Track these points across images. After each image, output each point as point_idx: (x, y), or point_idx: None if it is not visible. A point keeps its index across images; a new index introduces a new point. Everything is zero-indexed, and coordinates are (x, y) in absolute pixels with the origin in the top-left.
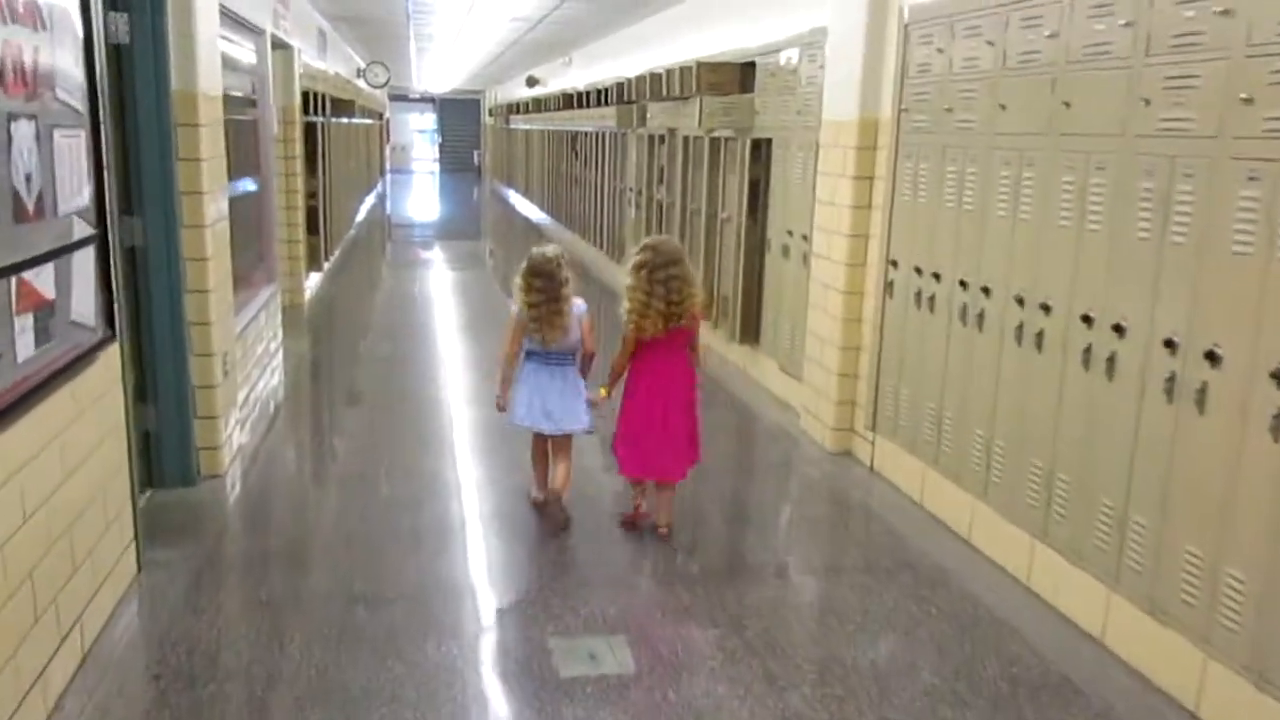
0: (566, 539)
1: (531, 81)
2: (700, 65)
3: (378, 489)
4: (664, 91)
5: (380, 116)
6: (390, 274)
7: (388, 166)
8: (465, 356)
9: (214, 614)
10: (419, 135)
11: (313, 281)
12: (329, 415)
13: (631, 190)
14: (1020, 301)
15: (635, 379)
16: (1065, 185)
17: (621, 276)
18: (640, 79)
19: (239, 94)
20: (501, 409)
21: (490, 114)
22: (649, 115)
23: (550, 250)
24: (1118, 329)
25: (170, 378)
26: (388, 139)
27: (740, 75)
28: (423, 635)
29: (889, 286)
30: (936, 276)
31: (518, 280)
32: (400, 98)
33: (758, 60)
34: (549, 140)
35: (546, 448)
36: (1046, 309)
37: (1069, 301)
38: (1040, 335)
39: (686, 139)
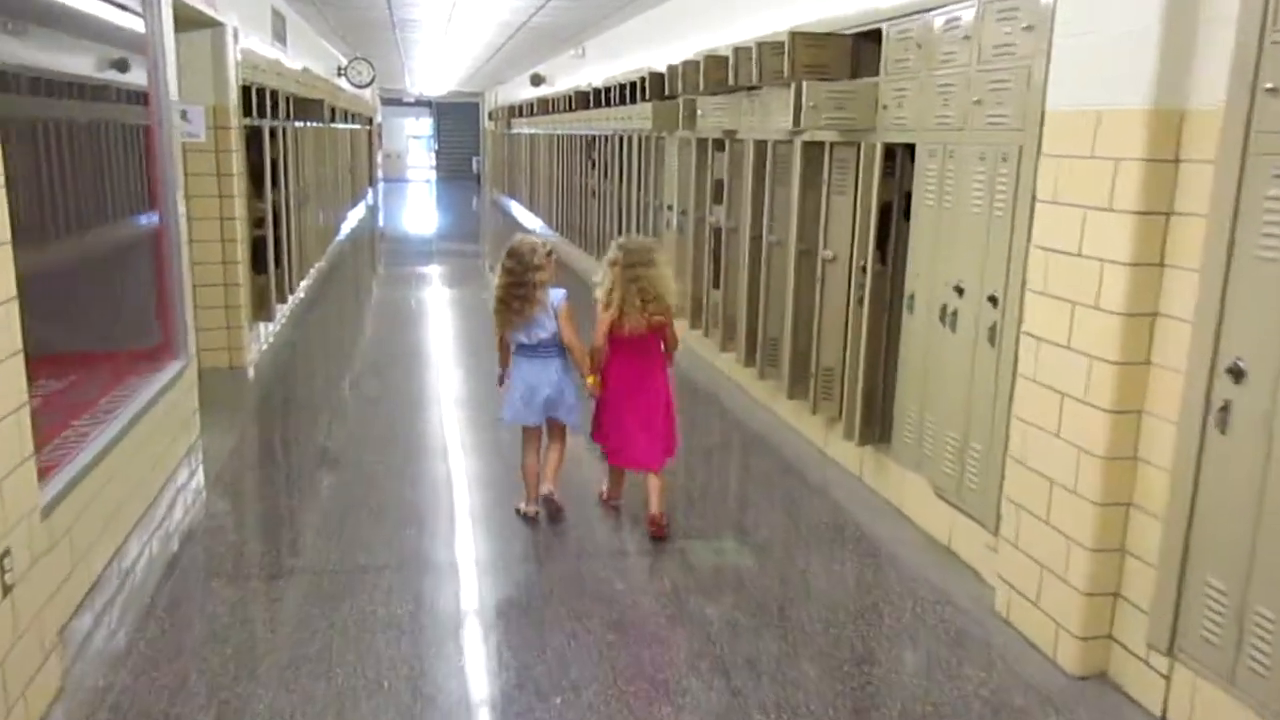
0: None
1: (536, 80)
2: (796, 37)
3: None
4: (730, 80)
5: (369, 121)
6: (377, 303)
7: (379, 176)
8: (468, 438)
9: None
10: (414, 141)
11: (265, 332)
12: (255, 574)
13: (672, 209)
14: None
15: (613, 374)
16: None
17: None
18: (688, 67)
19: (99, 77)
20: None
21: (490, 118)
22: (700, 114)
23: (532, 237)
24: None
25: None
26: (378, 145)
27: (852, 52)
28: None
29: (1220, 413)
30: None
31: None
32: (394, 101)
33: (886, 28)
34: (558, 146)
35: (538, 449)
36: None
37: None
38: None
39: (762, 144)
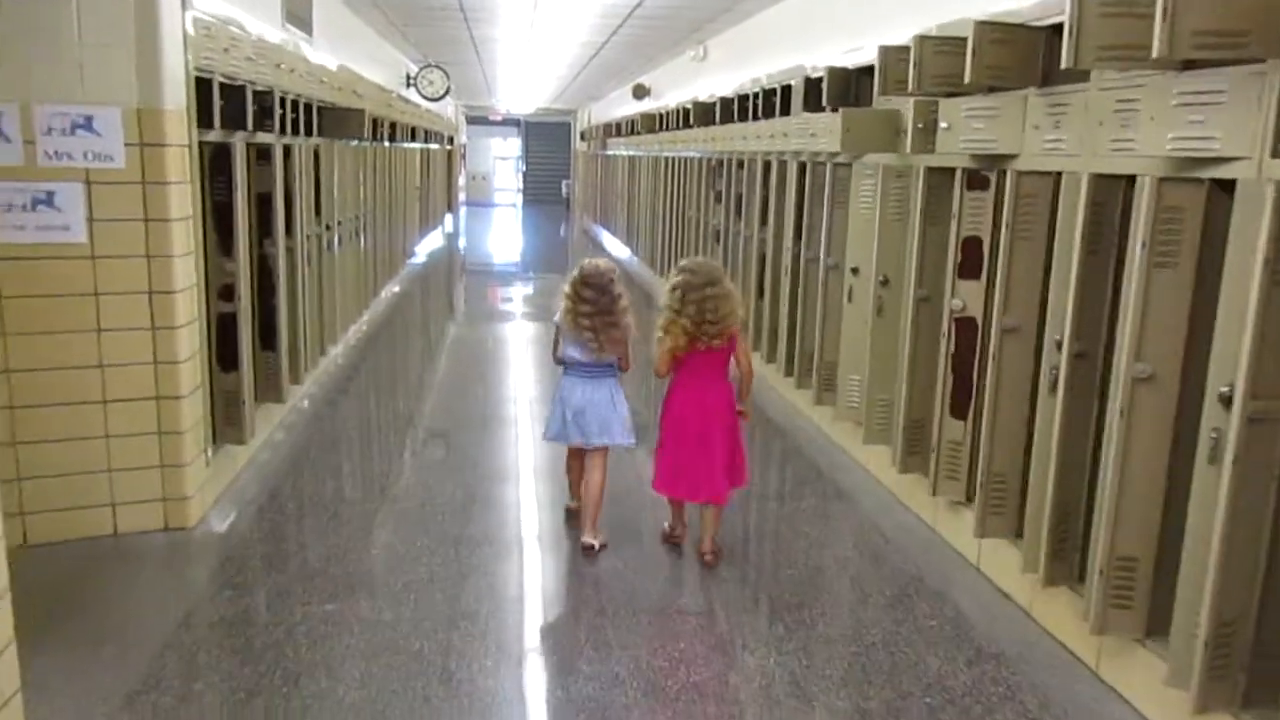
0: None
1: (640, 92)
2: None
3: None
4: (1068, 58)
5: (450, 140)
6: (439, 368)
7: (460, 200)
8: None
9: None
10: (502, 163)
11: (235, 457)
12: None
13: (857, 272)
14: None
15: (673, 397)
16: None
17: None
18: (929, 49)
19: None
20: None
21: (582, 138)
22: (942, 125)
23: (602, 262)
24: None
25: None
26: (460, 167)
27: None
28: None
29: None
30: None
31: (565, 289)
32: (480, 120)
33: None
34: (665, 170)
35: (582, 456)
36: None
37: None
38: None
39: (1107, 183)
